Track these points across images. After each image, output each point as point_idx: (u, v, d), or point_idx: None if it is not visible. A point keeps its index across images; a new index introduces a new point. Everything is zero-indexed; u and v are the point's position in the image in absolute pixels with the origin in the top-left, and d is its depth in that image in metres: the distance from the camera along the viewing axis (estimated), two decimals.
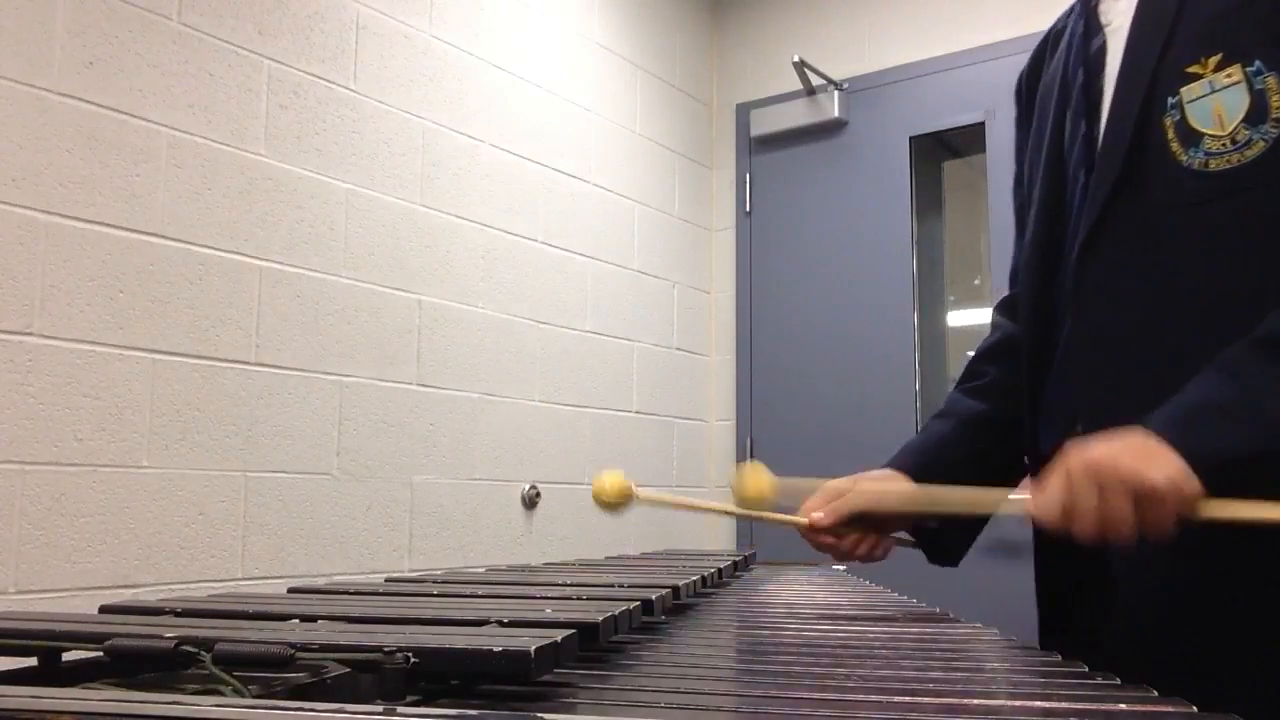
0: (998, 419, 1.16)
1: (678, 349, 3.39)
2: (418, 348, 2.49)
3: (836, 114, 3.33)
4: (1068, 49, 1.11)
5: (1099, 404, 0.96)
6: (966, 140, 3.24)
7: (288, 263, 2.22)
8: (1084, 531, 0.85)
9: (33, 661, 0.68)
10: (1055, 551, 1.09)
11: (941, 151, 3.39)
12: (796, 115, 3.43)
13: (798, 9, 3.54)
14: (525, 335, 2.79)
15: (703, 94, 3.65)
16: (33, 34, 1.84)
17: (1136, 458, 0.83)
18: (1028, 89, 1.23)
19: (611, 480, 1.08)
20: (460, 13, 2.67)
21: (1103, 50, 1.04)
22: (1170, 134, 0.93)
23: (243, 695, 0.56)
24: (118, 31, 1.96)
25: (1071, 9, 1.13)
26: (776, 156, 3.51)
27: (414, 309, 2.49)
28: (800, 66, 3.32)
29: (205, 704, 0.50)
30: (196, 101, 2.08)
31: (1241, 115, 0.89)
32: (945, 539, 1.19)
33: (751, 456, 3.37)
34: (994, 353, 1.24)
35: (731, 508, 1.13)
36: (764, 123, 3.50)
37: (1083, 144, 1.05)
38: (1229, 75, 0.89)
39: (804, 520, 1.10)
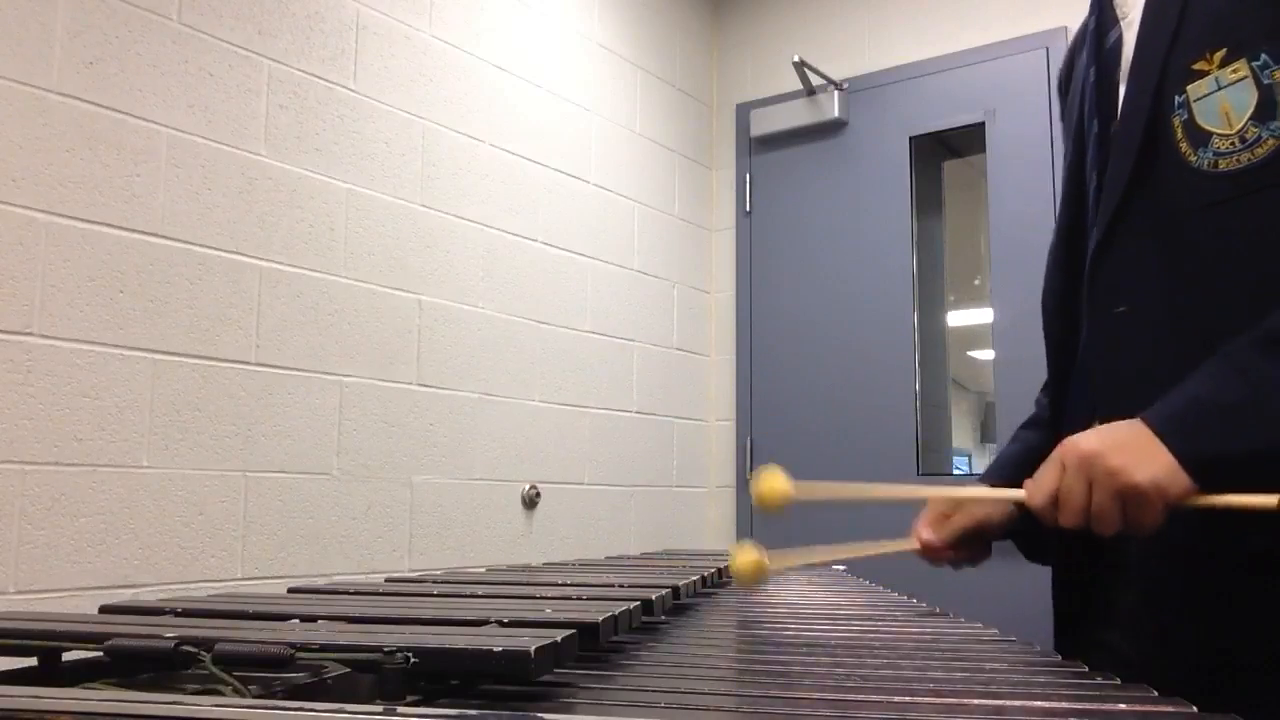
0: (1058, 359, 1.15)
1: (678, 349, 3.39)
2: (418, 348, 2.49)
3: (836, 114, 3.33)
4: (1082, 44, 1.09)
5: (1114, 401, 0.95)
6: (966, 140, 3.24)
7: (288, 263, 2.22)
8: (1071, 522, 0.86)
9: (33, 661, 0.68)
10: (1070, 558, 1.10)
11: (941, 151, 3.39)
12: (796, 115, 3.43)
13: (798, 9, 3.54)
14: (525, 335, 2.79)
15: (703, 94, 3.65)
16: (33, 34, 1.84)
17: (1126, 455, 0.83)
18: (1065, 87, 1.21)
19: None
20: (460, 13, 2.67)
21: (1119, 44, 1.01)
22: (1179, 134, 0.91)
23: (243, 695, 0.56)
24: (118, 31, 1.96)
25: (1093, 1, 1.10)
26: (776, 156, 3.51)
27: (414, 309, 2.49)
28: (800, 66, 3.32)
29: (205, 704, 0.50)
30: (196, 101, 2.08)
31: (1250, 112, 0.86)
32: (1039, 538, 1.17)
33: (751, 456, 3.37)
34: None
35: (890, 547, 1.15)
36: (764, 123, 3.50)
37: (1095, 143, 1.03)
38: (1235, 71, 0.87)
39: (916, 545, 1.15)
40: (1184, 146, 0.90)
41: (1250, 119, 0.86)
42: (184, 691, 0.60)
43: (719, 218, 3.62)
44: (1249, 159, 0.86)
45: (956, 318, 3.43)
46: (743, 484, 3.43)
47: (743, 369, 3.48)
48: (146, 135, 1.99)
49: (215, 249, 2.09)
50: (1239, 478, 0.83)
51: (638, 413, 3.17)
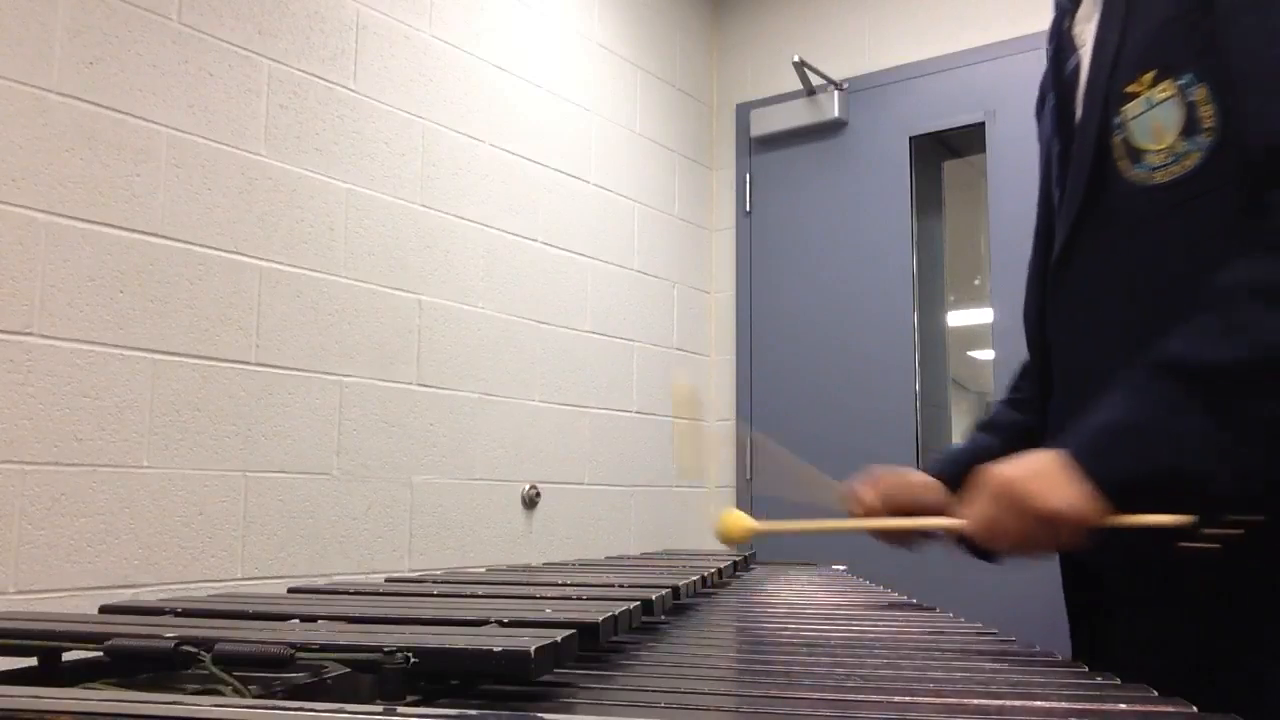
0: (1035, 429, 1.18)
1: (678, 349, 3.39)
2: (418, 348, 2.49)
3: (836, 114, 3.33)
4: (1046, 72, 1.15)
5: (1074, 412, 0.98)
6: (966, 140, 3.24)
7: (288, 263, 2.22)
8: (1005, 549, 0.94)
9: (33, 661, 0.68)
10: (1072, 563, 1.12)
11: (941, 151, 3.39)
12: (796, 115, 3.43)
13: (798, 9, 3.54)
14: (525, 335, 2.79)
15: (703, 94, 3.65)
16: (33, 34, 1.84)
17: (1042, 483, 0.89)
18: (1040, 112, 1.26)
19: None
20: (460, 13, 2.67)
21: (1076, 71, 1.07)
22: (1120, 152, 0.96)
23: (243, 695, 0.56)
24: (118, 31, 1.96)
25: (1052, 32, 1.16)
26: (776, 156, 3.51)
27: (414, 309, 2.49)
28: (800, 66, 3.32)
29: (205, 704, 0.50)
30: (196, 101, 2.08)
31: (1178, 129, 0.91)
32: None
33: (751, 457, 3.37)
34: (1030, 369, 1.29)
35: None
36: (764, 123, 3.50)
37: (1058, 165, 1.08)
38: (1163, 91, 0.92)
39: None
40: (1123, 164, 0.96)
41: (1179, 135, 0.91)
42: (184, 691, 0.60)
43: (719, 218, 3.62)
44: (1179, 171, 0.91)
45: (956, 318, 3.43)
46: (743, 484, 3.44)
47: (743, 369, 3.48)
48: (146, 135, 1.99)
49: (215, 249, 2.09)
50: (1150, 498, 0.87)
51: (638, 413, 3.17)
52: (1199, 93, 0.90)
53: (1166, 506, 0.87)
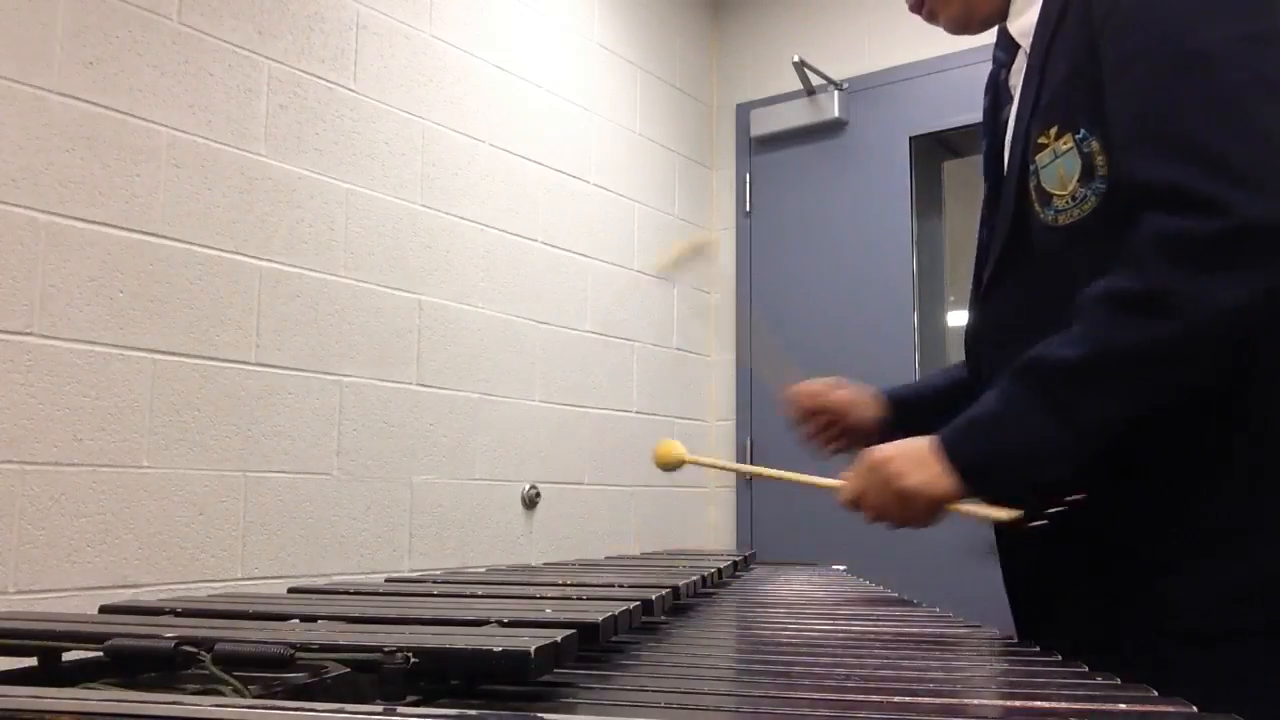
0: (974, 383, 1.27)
1: (678, 349, 3.39)
2: (418, 348, 2.49)
3: (836, 114, 3.33)
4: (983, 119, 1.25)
5: None
6: (966, 140, 3.24)
7: (288, 263, 2.22)
8: (869, 517, 1.07)
9: (33, 661, 0.68)
10: (1008, 545, 1.21)
11: (941, 151, 3.39)
12: (796, 115, 3.43)
13: (798, 9, 3.54)
14: (525, 335, 2.79)
15: (703, 94, 3.65)
16: (33, 34, 1.84)
17: (905, 462, 1.02)
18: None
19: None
20: (460, 13, 2.67)
21: (1008, 119, 1.16)
22: (1034, 195, 1.06)
23: (243, 695, 0.56)
24: (118, 31, 1.96)
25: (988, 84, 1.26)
26: (776, 156, 3.51)
27: (414, 309, 2.49)
28: (800, 66, 3.32)
29: (205, 704, 0.50)
30: (196, 101, 2.08)
31: (1076, 176, 1.01)
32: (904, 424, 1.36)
33: (751, 457, 3.37)
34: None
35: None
36: (764, 123, 3.50)
37: (985, 206, 1.20)
38: (1065, 143, 1.02)
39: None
40: (1036, 206, 1.06)
41: (1078, 181, 1.01)
42: (184, 691, 0.60)
43: (719, 218, 3.62)
44: (1079, 214, 1.02)
45: (956, 318, 3.43)
46: (743, 484, 3.44)
47: (743, 369, 3.48)
48: (146, 135, 1.99)
49: (215, 249, 2.09)
50: (996, 482, 1.02)
51: (638, 413, 3.17)
52: (1094, 144, 0.99)
53: (1011, 490, 1.03)
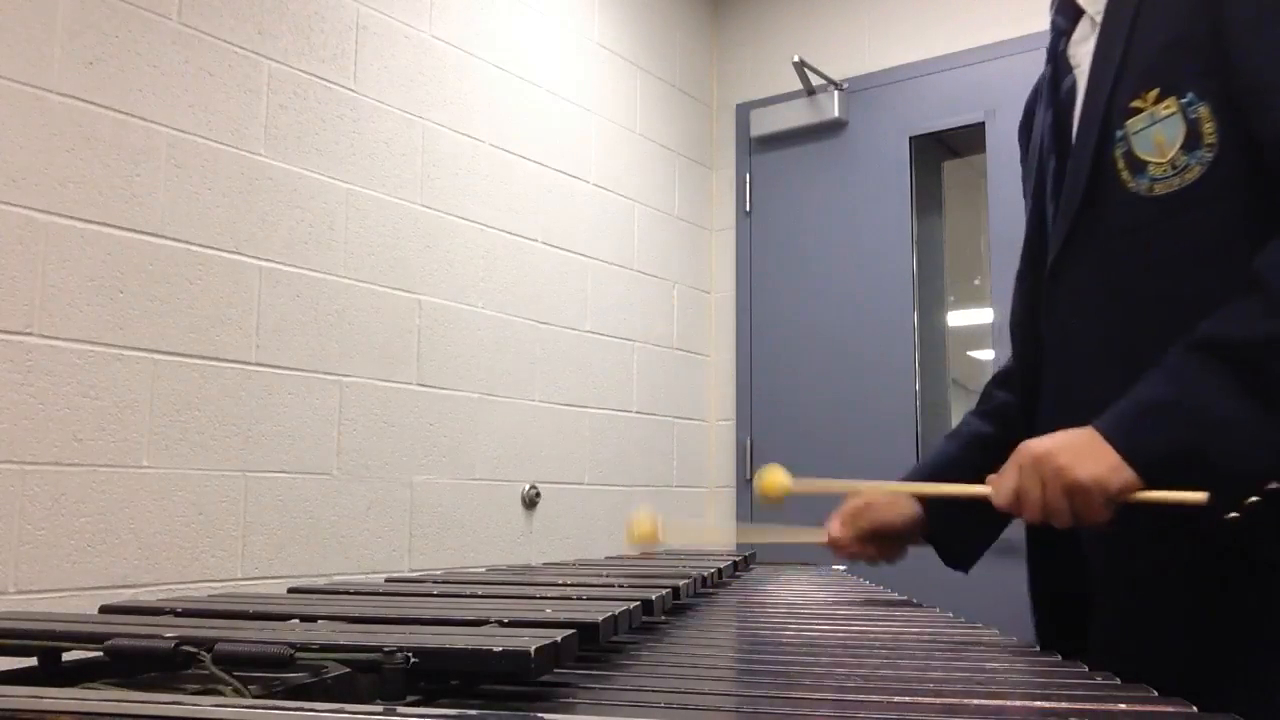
0: (1000, 440, 1.20)
1: (678, 349, 3.39)
2: (418, 348, 2.49)
3: (836, 114, 3.33)
4: (1039, 93, 1.20)
5: (1071, 417, 1.00)
6: (966, 140, 3.24)
7: (288, 263, 2.22)
8: (1030, 517, 0.96)
9: (33, 661, 0.68)
10: (1044, 553, 1.15)
11: (941, 151, 3.39)
12: (796, 115, 3.43)
13: (798, 9, 3.54)
14: (525, 335, 2.79)
15: (703, 94, 3.65)
16: (33, 34, 1.84)
17: (1073, 454, 0.93)
18: (1025, 134, 1.31)
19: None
20: (460, 13, 2.67)
21: (1073, 90, 1.12)
22: (1121, 164, 1.01)
23: (243, 695, 0.56)
24: (118, 31, 1.96)
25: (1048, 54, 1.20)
26: (776, 156, 3.51)
27: (414, 309, 2.49)
28: (800, 66, 3.32)
29: (205, 704, 0.50)
30: (196, 101, 2.08)
31: (1179, 143, 0.97)
32: (959, 545, 1.27)
33: (751, 457, 3.37)
34: (1005, 378, 1.32)
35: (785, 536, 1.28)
36: (764, 123, 3.50)
37: (1053, 178, 1.13)
38: (1167, 107, 0.98)
39: (824, 539, 1.25)
40: (1124, 175, 1.01)
41: (1180, 148, 0.96)
42: (184, 691, 0.60)
43: (719, 218, 3.62)
44: (1179, 183, 0.97)
45: (956, 318, 3.43)
46: (743, 484, 3.43)
47: (743, 369, 3.48)
48: (146, 135, 1.99)
49: (215, 249, 2.09)
50: (1177, 473, 0.90)
51: (638, 413, 3.17)
52: (1201, 110, 0.95)
53: (1192, 481, 0.89)
